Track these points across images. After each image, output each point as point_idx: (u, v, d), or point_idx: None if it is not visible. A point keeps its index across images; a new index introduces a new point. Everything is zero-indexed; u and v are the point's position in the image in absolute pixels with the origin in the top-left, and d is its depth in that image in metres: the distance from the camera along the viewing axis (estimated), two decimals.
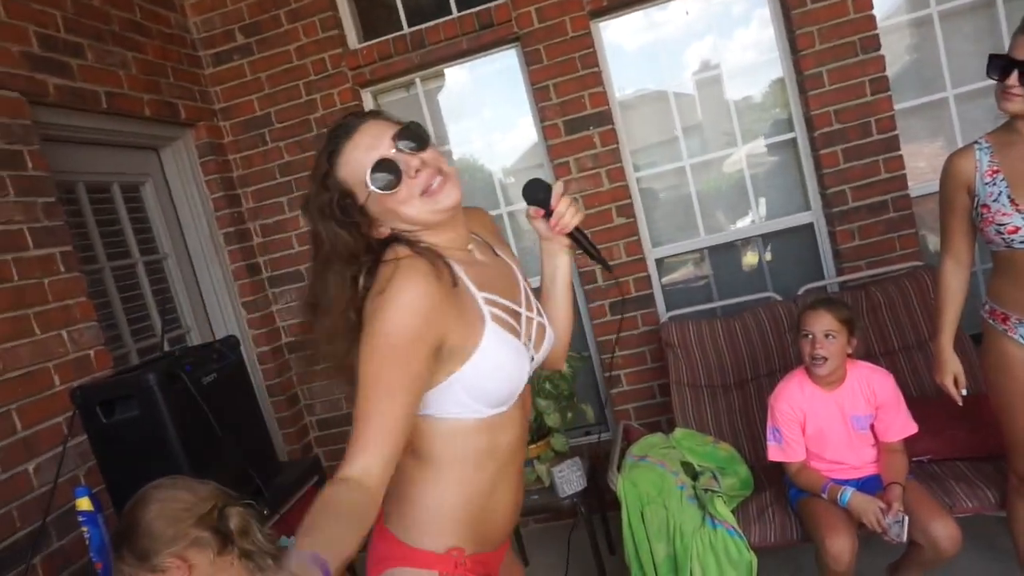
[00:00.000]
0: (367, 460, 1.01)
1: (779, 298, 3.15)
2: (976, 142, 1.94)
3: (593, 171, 3.23)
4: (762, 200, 3.39)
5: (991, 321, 1.98)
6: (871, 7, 3.01)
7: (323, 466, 2.66)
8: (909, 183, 3.09)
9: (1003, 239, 1.85)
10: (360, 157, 1.09)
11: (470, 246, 1.22)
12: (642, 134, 3.40)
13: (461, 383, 1.10)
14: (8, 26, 2.27)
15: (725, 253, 3.44)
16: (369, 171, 1.08)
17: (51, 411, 2.07)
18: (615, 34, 3.32)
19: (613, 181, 3.23)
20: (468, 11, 3.24)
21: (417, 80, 3.41)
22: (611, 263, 3.19)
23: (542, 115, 3.23)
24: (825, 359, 2.24)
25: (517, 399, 1.19)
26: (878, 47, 3.02)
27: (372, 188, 1.08)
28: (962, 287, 2.04)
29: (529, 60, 3.20)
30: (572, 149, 3.22)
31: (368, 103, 3.42)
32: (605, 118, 3.19)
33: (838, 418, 2.29)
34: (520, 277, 1.30)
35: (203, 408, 1.77)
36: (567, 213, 1.25)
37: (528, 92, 3.30)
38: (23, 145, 2.22)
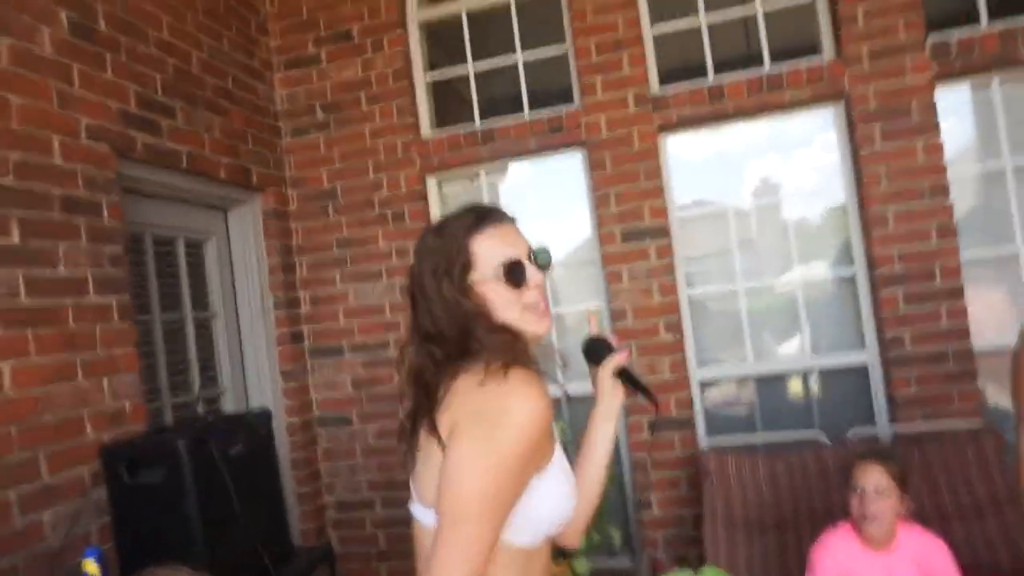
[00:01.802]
0: None
1: (825, 439, 3.00)
2: None
3: (645, 283, 3.21)
4: (815, 330, 3.30)
5: None
6: (942, 153, 3.00)
7: (334, 555, 2.56)
8: (972, 335, 2.98)
9: None
10: (498, 245, 1.13)
11: None
12: (698, 247, 3.39)
13: (525, 504, 1.04)
14: (111, 83, 2.41)
15: (772, 382, 3.33)
16: (503, 261, 1.11)
17: (77, 460, 2.05)
18: (679, 146, 3.36)
19: (664, 295, 3.20)
20: (539, 112, 3.34)
21: (482, 172, 3.49)
22: (652, 379, 3.17)
23: (600, 221, 3.25)
24: (876, 517, 2.09)
25: (549, 537, 1.13)
26: (947, 193, 2.99)
27: (499, 276, 1.10)
28: None
29: (593, 166, 3.26)
30: (626, 259, 3.22)
31: (432, 189, 3.50)
32: (662, 231, 3.20)
33: None
34: None
35: (227, 482, 1.72)
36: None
37: (589, 196, 3.34)
38: (104, 195, 2.31)
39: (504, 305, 1.12)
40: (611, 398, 1.28)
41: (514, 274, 1.12)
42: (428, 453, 1.06)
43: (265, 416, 2.14)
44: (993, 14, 3.04)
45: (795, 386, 3.35)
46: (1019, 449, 1.88)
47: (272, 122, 3.45)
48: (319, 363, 3.47)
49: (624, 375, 1.26)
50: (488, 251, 1.12)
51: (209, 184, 2.94)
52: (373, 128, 3.44)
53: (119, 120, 2.43)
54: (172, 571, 1.27)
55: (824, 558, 2.18)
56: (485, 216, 1.15)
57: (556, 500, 1.08)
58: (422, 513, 1.09)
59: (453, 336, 1.09)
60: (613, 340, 1.29)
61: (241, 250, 3.28)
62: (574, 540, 1.32)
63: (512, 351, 1.09)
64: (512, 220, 1.19)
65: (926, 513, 2.66)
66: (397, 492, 3.38)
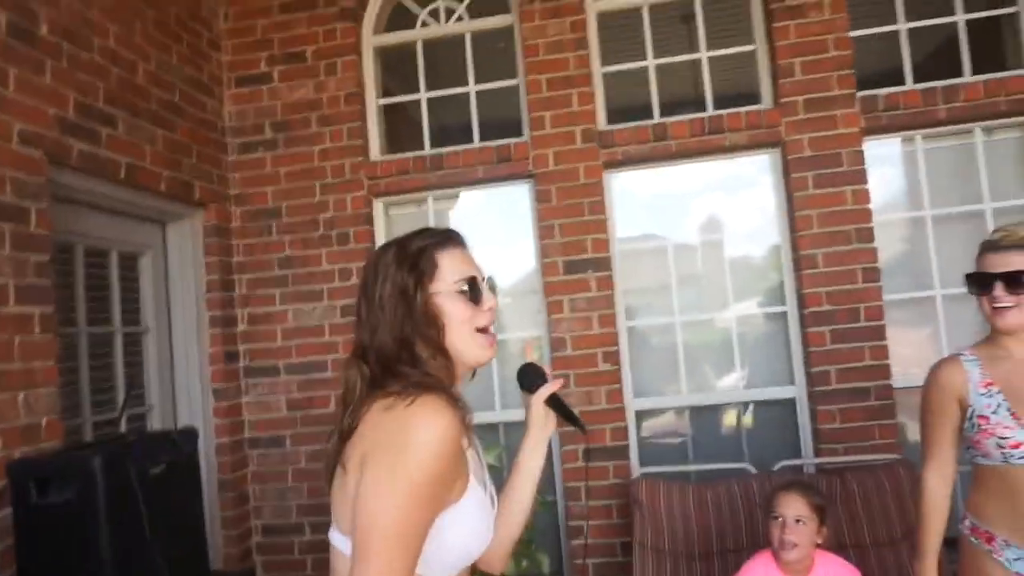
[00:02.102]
0: None
1: (754, 470, 3.08)
2: (960, 354, 1.93)
3: (585, 313, 3.26)
4: (747, 365, 3.40)
5: (973, 539, 1.88)
6: (868, 201, 3.15)
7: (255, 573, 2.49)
8: (893, 370, 3.11)
9: (1003, 453, 1.79)
10: (459, 263, 1.17)
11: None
12: (638, 281, 3.47)
13: (435, 534, 1.01)
14: (49, 89, 2.36)
15: (705, 413, 3.40)
16: (465, 276, 1.15)
17: None
18: (624, 182, 3.45)
19: (603, 326, 3.26)
20: (489, 143, 3.39)
21: (430, 198, 3.52)
22: (589, 409, 3.21)
23: (544, 252, 3.30)
24: (795, 545, 2.15)
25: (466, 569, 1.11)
26: (872, 239, 3.14)
27: (460, 290, 1.14)
28: (947, 502, 1.93)
29: (539, 198, 3.32)
30: (568, 289, 3.27)
31: (379, 212, 3.51)
32: (604, 264, 3.26)
33: None
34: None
35: (139, 505, 1.67)
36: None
37: (534, 227, 3.39)
38: (32, 202, 2.24)
39: (459, 321, 1.13)
40: (542, 426, 1.29)
41: (474, 290, 1.15)
42: (343, 481, 1.04)
43: (190, 435, 2.09)
44: (918, 77, 3.24)
45: (728, 418, 3.43)
46: (924, 482, 1.96)
47: (219, 138, 3.42)
48: (254, 383, 3.40)
49: (555, 403, 1.28)
50: (451, 265, 1.15)
51: (148, 197, 2.89)
52: (322, 149, 3.44)
53: (55, 127, 2.37)
54: None
55: None
56: (450, 236, 1.20)
57: (468, 537, 1.07)
58: (339, 540, 1.06)
59: (388, 351, 1.08)
60: (547, 370, 1.31)
61: (178, 265, 3.21)
62: (499, 566, 1.30)
63: (436, 376, 1.08)
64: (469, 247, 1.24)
65: (845, 542, 2.75)
66: (327, 517, 3.26)
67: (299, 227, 3.43)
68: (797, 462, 3.14)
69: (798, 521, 2.16)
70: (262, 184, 3.46)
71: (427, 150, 3.47)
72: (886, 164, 3.35)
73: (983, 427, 1.82)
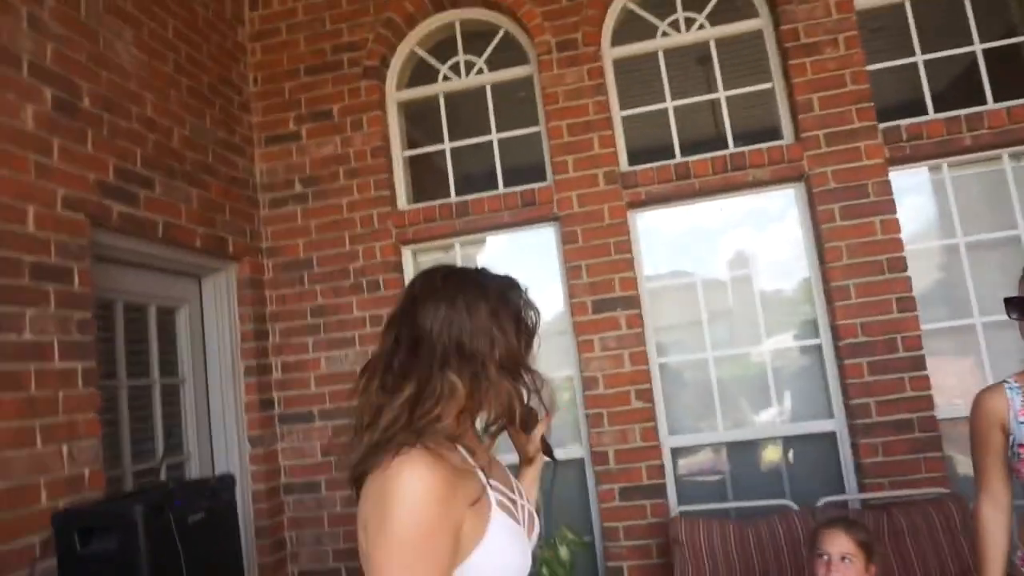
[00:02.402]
0: None
1: (796, 507, 3.00)
2: (1005, 381, 1.90)
3: (616, 351, 3.25)
4: (785, 399, 3.34)
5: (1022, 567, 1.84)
6: (898, 231, 3.12)
7: None
8: (937, 401, 3.03)
9: None
10: (535, 314, 1.21)
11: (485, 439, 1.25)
12: (669, 317, 3.45)
13: (473, 573, 1.02)
14: (90, 157, 2.49)
15: (744, 450, 3.34)
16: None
17: (29, 528, 2.01)
18: (650, 220, 3.47)
19: (635, 364, 3.24)
20: (513, 188, 3.46)
21: (456, 244, 3.58)
22: (624, 446, 3.18)
23: (571, 292, 3.32)
24: None
25: None
26: (904, 268, 3.10)
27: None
28: (1005, 532, 1.87)
29: (565, 239, 3.35)
30: (597, 328, 3.27)
31: (407, 260, 3.57)
32: (632, 302, 3.27)
33: None
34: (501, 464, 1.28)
35: (178, 551, 1.69)
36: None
37: (561, 268, 3.42)
38: (75, 263, 2.34)
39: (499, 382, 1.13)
40: (535, 463, 1.35)
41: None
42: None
43: (228, 481, 2.12)
44: (940, 107, 3.24)
45: (766, 454, 3.36)
46: (976, 513, 1.91)
47: (251, 194, 3.54)
48: (288, 429, 3.44)
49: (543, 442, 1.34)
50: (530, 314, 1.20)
51: (184, 253, 2.99)
52: (350, 201, 3.53)
53: (96, 190, 2.49)
54: None
55: None
56: (518, 283, 1.22)
57: (509, 560, 1.07)
58: None
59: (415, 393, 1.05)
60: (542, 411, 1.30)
61: (214, 317, 3.30)
62: None
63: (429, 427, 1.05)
64: None
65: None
66: None
67: (330, 276, 3.51)
68: (841, 498, 3.05)
69: (844, 559, 2.10)
70: (293, 237, 3.56)
71: (452, 197, 3.54)
72: (915, 194, 3.32)
73: (1022, 456, 1.79)
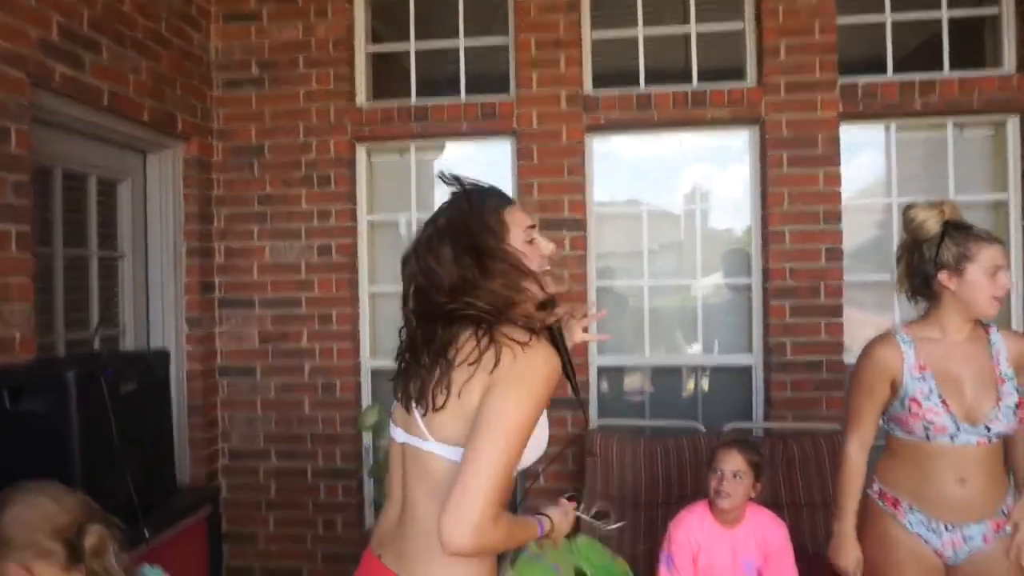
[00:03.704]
0: (499, 512, 1.13)
1: (703, 429, 3.23)
2: (896, 333, 2.00)
3: (558, 272, 3.35)
4: (710, 331, 3.53)
5: (880, 503, 2.02)
6: (839, 184, 3.25)
7: (220, 499, 2.60)
8: (851, 348, 3.24)
9: (926, 433, 1.90)
10: (524, 217, 1.35)
11: None
12: (613, 244, 3.56)
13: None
14: (33, 11, 2.36)
15: (666, 375, 3.54)
16: (535, 227, 1.35)
17: None
18: (607, 145, 3.52)
19: (575, 284, 3.35)
20: (475, 98, 3.42)
21: (412, 148, 3.55)
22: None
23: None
24: (729, 495, 2.30)
25: None
26: (838, 221, 3.25)
27: (528, 238, 1.31)
28: (864, 469, 2.06)
29: (520, 156, 3.37)
30: None
31: (361, 158, 3.54)
32: (579, 225, 3.34)
33: (729, 557, 2.33)
34: None
35: (110, 418, 1.75)
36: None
37: (513, 184, 3.45)
38: (13, 123, 2.26)
39: (528, 265, 1.29)
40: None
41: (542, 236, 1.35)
42: (454, 402, 1.20)
43: (163, 357, 2.17)
44: (900, 69, 3.31)
45: (686, 381, 3.57)
46: (847, 453, 2.06)
47: (204, 71, 3.41)
48: (228, 314, 3.48)
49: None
50: (516, 219, 1.32)
51: (130, 125, 2.90)
52: (308, 91, 3.45)
53: (38, 48, 2.38)
54: (39, 486, 1.32)
55: (680, 531, 2.38)
56: (506, 197, 1.39)
57: (542, 439, 1.28)
58: (441, 449, 1.22)
59: (502, 297, 1.23)
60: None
61: (157, 194, 3.24)
62: None
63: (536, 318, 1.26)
64: None
65: (782, 501, 2.92)
66: (293, 445, 3.44)
67: (280, 166, 3.46)
68: (746, 424, 3.30)
69: (735, 475, 2.31)
70: (246, 121, 3.47)
71: (413, 100, 3.49)
72: (860, 150, 3.44)
73: (914, 410, 1.91)
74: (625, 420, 3.40)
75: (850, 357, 3.26)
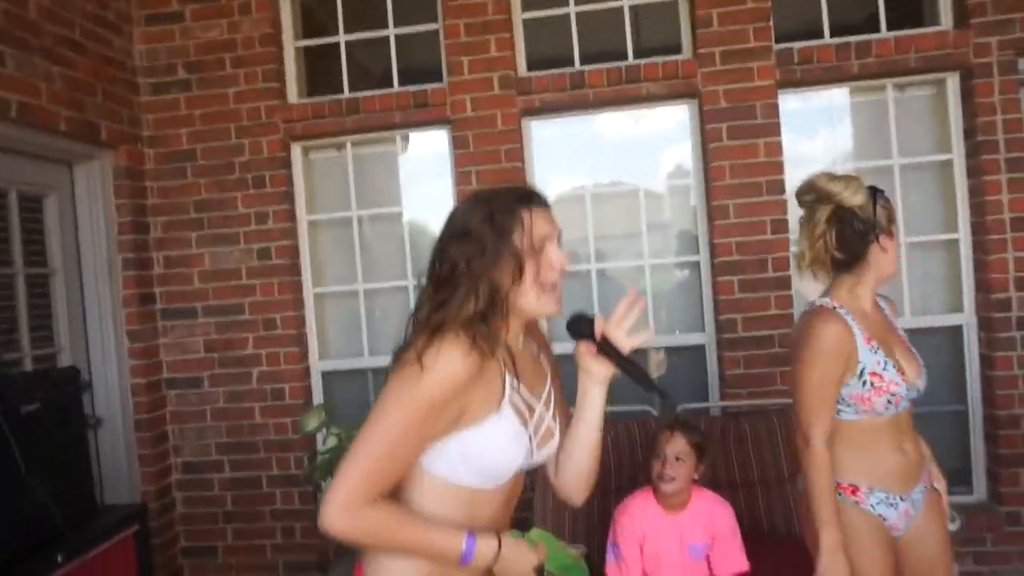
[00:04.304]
0: (372, 494, 1.14)
1: (656, 413, 3.19)
2: (835, 307, 1.87)
3: None
4: (662, 312, 3.49)
5: (840, 496, 1.84)
6: (780, 154, 3.20)
7: (146, 513, 2.54)
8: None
9: (886, 408, 1.81)
10: (543, 224, 1.26)
11: (520, 339, 1.34)
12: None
13: (459, 447, 1.20)
14: None
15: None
16: (546, 234, 1.25)
17: None
18: (545, 129, 3.46)
19: None
20: (407, 88, 3.35)
21: (348, 143, 3.48)
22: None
23: (459, 197, 3.31)
24: (672, 479, 2.27)
25: (504, 485, 1.28)
26: (782, 191, 3.20)
27: (539, 248, 1.23)
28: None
29: (457, 144, 3.31)
30: None
31: (297, 157, 3.47)
32: None
33: (675, 544, 2.30)
34: (549, 378, 1.41)
35: (8, 440, 1.69)
36: (621, 338, 1.31)
37: (452, 174, 3.39)
38: None
39: (526, 282, 1.22)
40: (588, 373, 1.35)
41: (558, 251, 1.26)
42: None
43: (71, 373, 2.11)
44: (837, 33, 3.25)
45: (641, 363, 3.52)
46: (818, 451, 1.81)
47: (129, 77, 3.33)
48: (170, 325, 3.41)
49: (609, 351, 1.30)
50: (534, 227, 1.23)
51: (47, 136, 2.82)
52: (237, 91, 3.37)
53: None
54: None
55: (625, 518, 2.35)
56: (534, 196, 1.29)
57: (496, 454, 1.22)
58: None
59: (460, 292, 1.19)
60: (598, 322, 1.31)
61: (87, 207, 3.17)
62: (578, 497, 1.44)
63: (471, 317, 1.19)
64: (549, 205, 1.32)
65: (735, 481, 2.88)
66: (246, 455, 3.39)
67: (214, 170, 3.39)
68: (698, 405, 3.26)
69: (677, 459, 2.27)
70: (176, 126, 3.39)
71: (345, 94, 3.42)
72: (800, 118, 3.39)
73: (876, 384, 1.79)
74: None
75: None
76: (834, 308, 1.85)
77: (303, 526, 3.38)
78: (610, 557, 2.34)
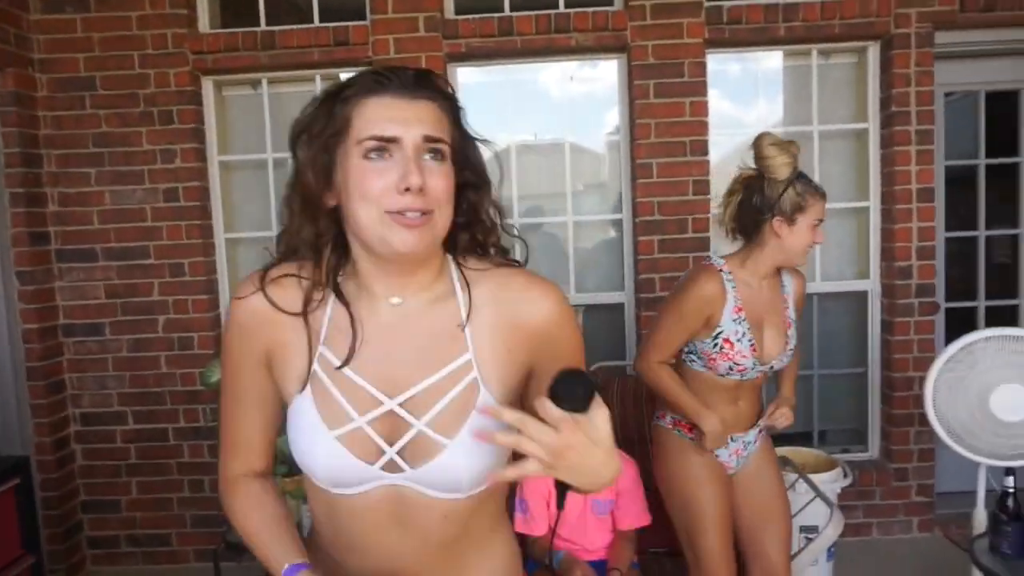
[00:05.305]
0: (242, 463, 1.05)
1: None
2: (721, 269, 1.98)
3: None
4: (584, 269, 3.49)
5: (676, 431, 2.07)
6: (706, 114, 3.20)
7: (28, 465, 2.40)
8: None
9: (732, 373, 1.98)
10: (378, 116, 0.88)
11: (394, 300, 0.96)
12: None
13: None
14: None
15: None
16: (370, 134, 0.87)
17: None
18: (476, 76, 3.35)
19: None
20: (327, 24, 3.18)
21: (264, 80, 3.29)
22: None
23: None
24: None
25: (371, 501, 0.95)
26: (705, 152, 3.21)
27: (359, 147, 0.88)
28: None
29: None
30: None
31: (208, 92, 3.26)
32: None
33: (579, 499, 2.33)
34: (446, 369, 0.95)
35: None
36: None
37: None
38: None
39: (357, 198, 0.88)
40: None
41: (378, 150, 0.87)
42: None
43: None
44: None
45: None
46: (654, 368, 2.01)
47: None
48: (68, 268, 3.20)
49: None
50: (364, 119, 0.88)
51: None
52: (140, 15, 3.11)
53: None
54: None
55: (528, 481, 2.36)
56: (385, 76, 0.89)
57: (299, 446, 0.95)
58: None
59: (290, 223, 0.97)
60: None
61: None
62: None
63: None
64: (434, 96, 0.92)
65: (643, 437, 2.94)
66: (150, 406, 3.24)
67: (116, 101, 3.14)
68: (614, 363, 3.30)
69: None
70: (72, 50, 3.12)
71: (261, 27, 3.21)
72: (727, 78, 3.40)
73: (724, 350, 1.95)
74: None
75: None
76: (719, 270, 1.98)
77: (211, 479, 3.28)
78: (517, 514, 2.35)
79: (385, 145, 0.87)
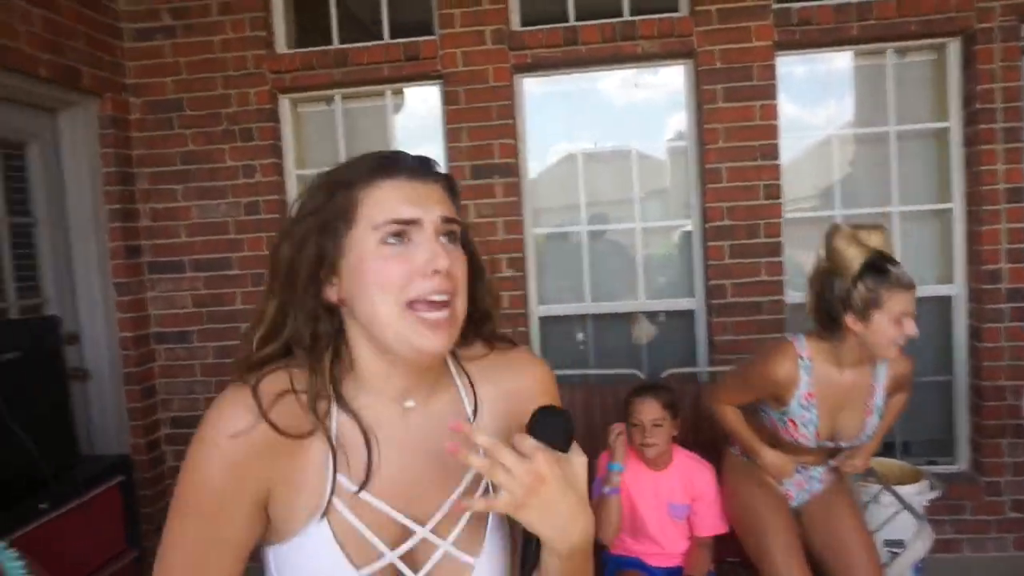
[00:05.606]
0: None
1: (642, 376, 3.20)
2: (800, 354, 1.97)
3: (490, 219, 3.26)
4: (652, 275, 3.47)
5: (744, 459, 2.19)
6: (776, 117, 3.15)
7: (131, 464, 2.55)
8: (793, 287, 3.20)
9: (794, 442, 2.04)
10: (393, 199, 0.82)
11: (408, 403, 0.88)
12: (548, 187, 3.46)
13: (274, 564, 0.85)
14: None
15: (609, 321, 3.49)
16: (388, 217, 0.81)
17: None
18: (544, 87, 3.39)
19: (509, 233, 3.27)
20: (397, 40, 3.28)
21: (338, 97, 3.42)
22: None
23: (451, 156, 3.26)
24: (654, 444, 2.28)
25: None
26: (776, 156, 3.16)
27: (382, 238, 0.81)
28: None
29: (448, 100, 3.25)
30: (473, 194, 3.25)
31: (285, 109, 3.41)
32: (511, 170, 3.24)
33: (655, 502, 2.32)
34: (462, 481, 0.89)
35: None
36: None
37: (443, 131, 3.33)
38: None
39: (374, 288, 0.80)
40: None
41: (396, 235, 0.81)
42: None
43: (51, 322, 2.10)
44: None
45: (629, 327, 3.52)
46: (725, 412, 2.20)
47: (112, 22, 3.24)
48: (158, 279, 3.39)
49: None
50: (377, 205, 0.82)
51: (25, 81, 2.75)
52: (223, 40, 3.29)
53: None
54: None
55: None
56: (391, 160, 0.84)
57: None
58: None
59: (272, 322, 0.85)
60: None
61: (72, 155, 3.11)
62: None
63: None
64: (439, 178, 0.87)
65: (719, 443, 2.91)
66: None
67: (201, 121, 3.32)
68: (685, 370, 3.27)
69: (656, 425, 2.28)
70: (161, 75, 3.32)
71: (334, 45, 3.34)
72: (797, 81, 3.33)
73: (789, 428, 2.03)
74: (565, 371, 3.36)
75: (790, 296, 3.22)
76: (798, 354, 1.96)
77: None
78: (596, 492, 2.34)
79: (405, 228, 0.81)
